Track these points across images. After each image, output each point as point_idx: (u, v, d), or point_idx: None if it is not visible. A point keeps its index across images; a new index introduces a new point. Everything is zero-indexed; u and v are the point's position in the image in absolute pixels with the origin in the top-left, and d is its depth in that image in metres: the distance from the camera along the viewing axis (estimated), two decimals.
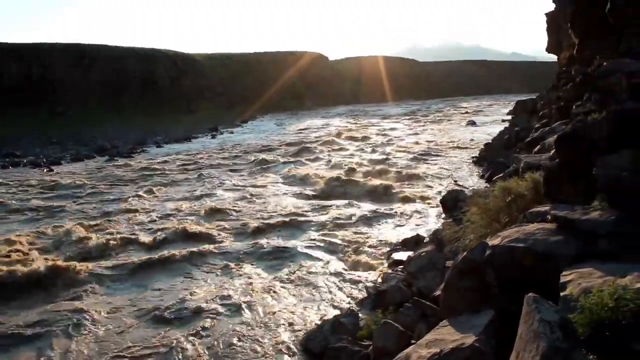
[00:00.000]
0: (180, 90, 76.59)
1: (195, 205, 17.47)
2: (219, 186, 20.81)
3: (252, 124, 59.70)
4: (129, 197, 19.13)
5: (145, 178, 23.64)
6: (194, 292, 10.01)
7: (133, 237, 13.67)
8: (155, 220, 15.55)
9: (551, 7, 33.17)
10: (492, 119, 50.20)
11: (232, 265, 11.49)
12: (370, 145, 32.88)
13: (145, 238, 13.54)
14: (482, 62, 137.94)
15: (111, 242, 13.29)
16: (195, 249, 12.40)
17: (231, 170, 24.75)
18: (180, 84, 77.45)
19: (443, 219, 13.75)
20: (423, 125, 46.84)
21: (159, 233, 13.91)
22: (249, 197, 18.60)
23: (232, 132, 48.45)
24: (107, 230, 14.61)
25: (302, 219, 15.03)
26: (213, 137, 44.46)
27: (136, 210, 16.97)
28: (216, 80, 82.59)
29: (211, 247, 12.63)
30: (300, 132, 45.23)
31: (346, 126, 48.89)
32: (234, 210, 16.50)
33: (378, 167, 23.62)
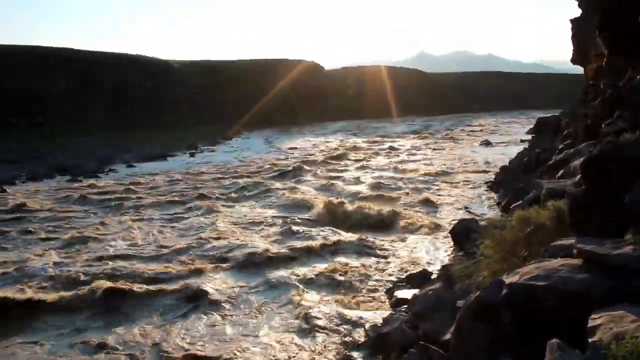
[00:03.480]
0: (156, 101, 76.88)
1: (165, 238, 17.37)
2: (194, 214, 20.69)
3: (237, 141, 59.82)
4: (88, 225, 18.99)
5: (110, 202, 23.48)
6: (165, 335, 9.90)
7: (85, 272, 13.40)
8: (114, 254, 15.32)
9: (577, 12, 33.34)
10: (509, 138, 50.54)
11: (210, 305, 11.39)
12: (372, 167, 32.95)
13: (98, 274, 13.21)
14: (498, 73, 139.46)
15: (59, 276, 13.16)
16: (162, 289, 12.22)
17: (211, 195, 24.65)
18: (156, 94, 77.77)
19: (453, 252, 13.72)
20: (431, 145, 47.10)
21: (116, 269, 13.64)
22: (231, 226, 18.51)
23: (213, 150, 48.51)
24: (60, 263, 14.48)
25: (291, 250, 14.93)
26: (192, 155, 44.48)
27: (94, 241, 16.75)
28: (197, 91, 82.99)
29: (179, 285, 12.42)
30: (292, 152, 45.33)
31: (345, 145, 49.08)
32: (213, 242, 16.40)
33: (380, 191, 23.64)
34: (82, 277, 12.94)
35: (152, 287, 12.18)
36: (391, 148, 44.99)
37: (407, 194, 23.21)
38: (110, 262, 14.16)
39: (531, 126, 51.20)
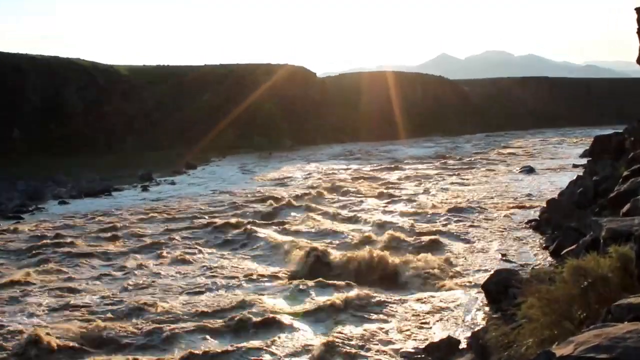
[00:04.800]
0: (98, 118, 76.83)
1: (110, 297, 17.28)
2: (146, 268, 20.58)
3: (205, 170, 59.74)
4: (5, 282, 18.88)
5: (36, 252, 23.34)
6: None
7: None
8: (41, 320, 15.25)
9: None
10: (558, 163, 50.79)
11: None
12: (381, 203, 33.02)
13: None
14: (544, 79, 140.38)
15: None
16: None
17: (170, 243, 24.55)
18: (99, 109, 77.76)
19: (487, 313, 13.66)
20: (458, 173, 47.19)
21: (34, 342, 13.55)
22: (194, 284, 18.47)
23: (173, 183, 48.41)
24: None
25: (276, 314, 14.90)
26: (145, 189, 44.40)
27: (12, 302, 16.69)
28: (151, 104, 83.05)
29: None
30: (278, 184, 45.28)
31: (344, 175, 49.17)
32: (171, 302, 16.33)
33: (390, 234, 23.57)
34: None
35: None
36: (402, 178, 45.12)
37: (425, 236, 23.17)
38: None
39: (586, 147, 51.48)
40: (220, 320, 14.64)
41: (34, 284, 18.58)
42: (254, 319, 14.51)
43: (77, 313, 15.67)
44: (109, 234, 26.77)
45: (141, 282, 18.59)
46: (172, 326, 14.29)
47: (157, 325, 14.45)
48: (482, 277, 16.28)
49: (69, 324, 14.68)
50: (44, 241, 25.24)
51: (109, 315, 15.36)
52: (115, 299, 16.84)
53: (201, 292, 17.33)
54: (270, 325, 14.24)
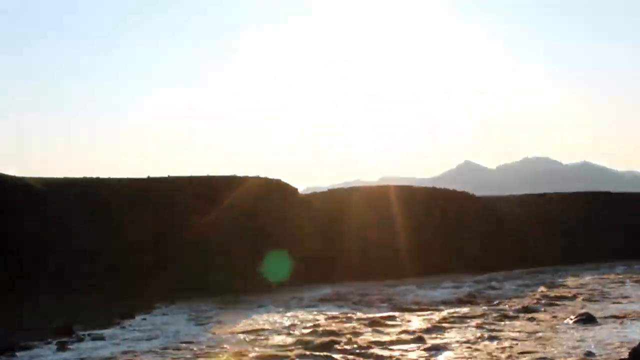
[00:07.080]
0: (0, 248, 76.70)
1: None
2: None
3: (146, 320, 59.00)
4: None
5: None
6: None
7: None
8: None
9: None
10: (627, 309, 50.78)
11: None
12: None
13: None
14: (604, 195, 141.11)
15: None
16: None
17: None
18: (2, 235, 77.73)
19: None
20: (489, 324, 47.18)
21: None
22: None
23: (102, 339, 47.86)
24: None
25: None
26: (62, 347, 43.76)
27: None
28: (73, 229, 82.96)
29: None
30: (243, 341, 44.83)
31: (334, 327, 48.83)
32: None
33: None
34: None
35: None
36: (420, 330, 45.12)
37: None
38: None
39: None
40: None
41: None
42: None
43: None
44: None
45: None
46: None
47: None
48: None
49: None
50: None
51: None
52: None
53: None
54: None
